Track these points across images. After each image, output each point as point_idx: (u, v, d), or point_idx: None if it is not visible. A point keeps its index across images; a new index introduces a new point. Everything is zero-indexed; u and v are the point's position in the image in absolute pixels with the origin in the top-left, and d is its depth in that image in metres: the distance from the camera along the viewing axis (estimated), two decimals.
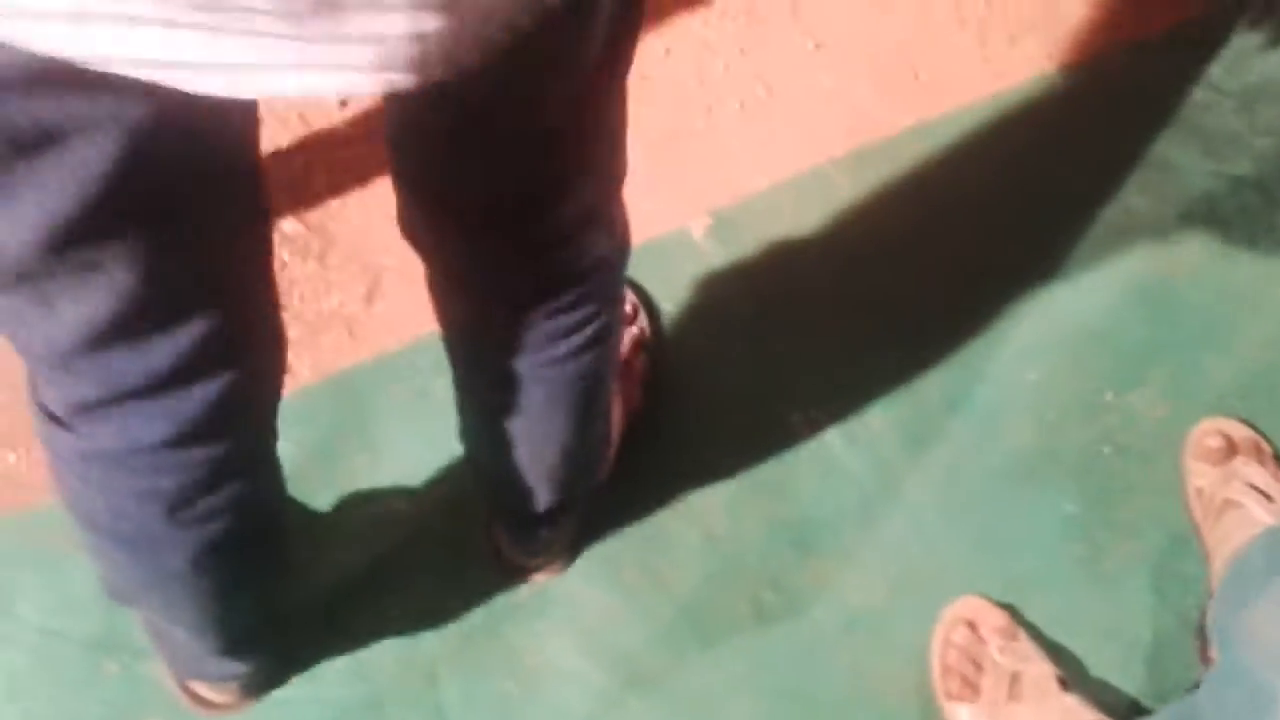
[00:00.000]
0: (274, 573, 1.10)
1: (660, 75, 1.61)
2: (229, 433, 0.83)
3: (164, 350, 0.73)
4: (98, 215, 0.59)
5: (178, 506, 0.84)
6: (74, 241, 0.61)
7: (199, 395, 0.77)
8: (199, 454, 0.82)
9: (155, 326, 0.71)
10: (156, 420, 0.77)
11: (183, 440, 0.79)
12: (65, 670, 1.26)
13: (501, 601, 1.32)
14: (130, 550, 0.91)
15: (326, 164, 1.51)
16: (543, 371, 0.98)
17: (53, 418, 0.79)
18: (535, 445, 1.08)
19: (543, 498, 1.16)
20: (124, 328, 0.69)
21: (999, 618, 1.29)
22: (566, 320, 0.94)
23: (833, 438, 1.42)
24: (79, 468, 0.83)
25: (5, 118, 0.52)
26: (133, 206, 0.61)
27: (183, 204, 0.65)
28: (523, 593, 1.33)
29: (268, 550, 1.04)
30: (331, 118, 1.52)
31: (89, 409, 0.76)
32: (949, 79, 1.66)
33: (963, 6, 1.72)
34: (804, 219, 1.55)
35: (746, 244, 1.53)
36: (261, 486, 0.96)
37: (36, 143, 0.54)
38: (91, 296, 0.66)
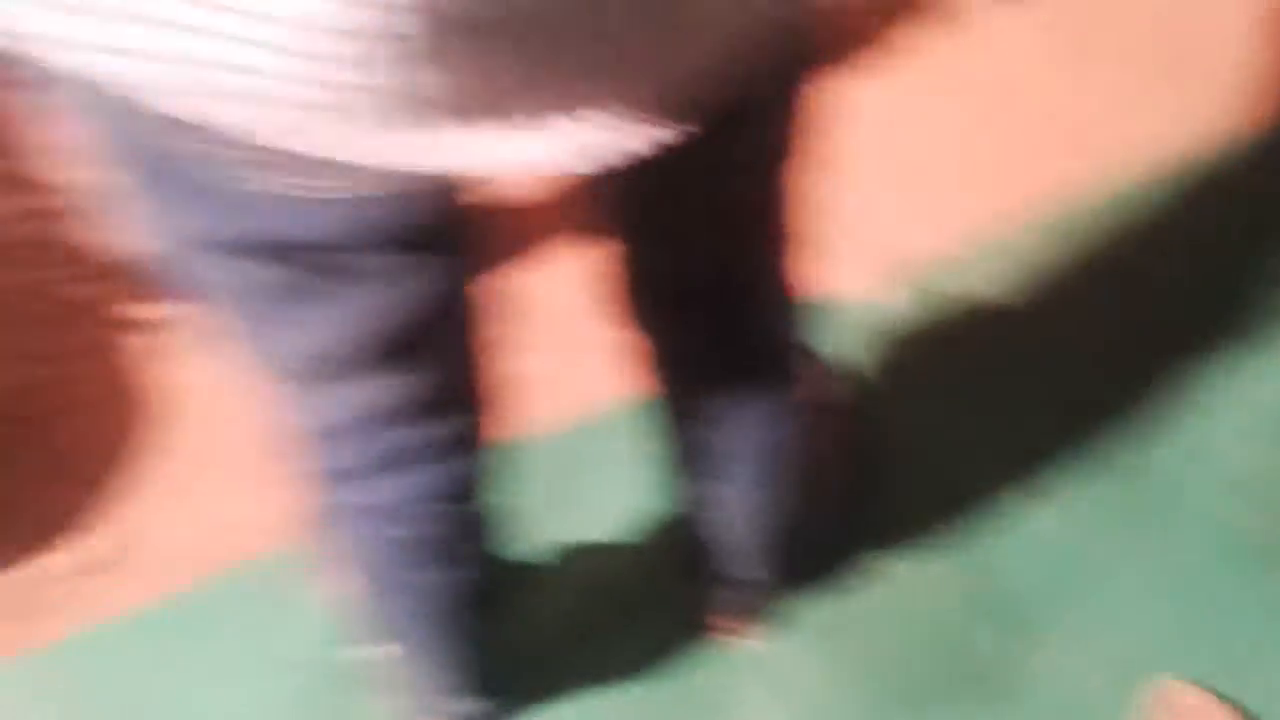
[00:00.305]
0: (502, 619, 1.15)
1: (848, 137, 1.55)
2: (483, 486, 0.93)
3: (444, 420, 0.83)
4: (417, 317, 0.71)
5: (440, 553, 0.92)
6: (393, 340, 0.71)
7: (466, 455, 0.87)
8: (463, 506, 0.91)
9: (443, 400, 0.81)
10: (431, 478, 0.85)
11: (453, 495, 0.88)
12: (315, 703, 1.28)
13: (706, 663, 1.31)
14: (393, 592, 0.97)
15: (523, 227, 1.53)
16: (746, 440, 1.00)
17: (333, 479, 0.86)
18: (743, 512, 1.09)
19: (752, 564, 1.17)
20: (421, 403, 0.79)
21: (1213, 706, 1.25)
22: (769, 389, 0.97)
23: (1040, 512, 1.37)
24: (354, 520, 0.89)
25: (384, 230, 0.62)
26: (445, 307, 0.73)
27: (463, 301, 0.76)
28: (728, 656, 1.31)
29: (497, 597, 1.08)
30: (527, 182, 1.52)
31: (371, 471, 0.83)
32: (1144, 139, 1.62)
33: (1157, 66, 1.71)
34: (999, 282, 1.53)
35: (940, 308, 1.51)
36: (496, 536, 1.02)
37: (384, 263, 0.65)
38: (399, 380, 0.76)
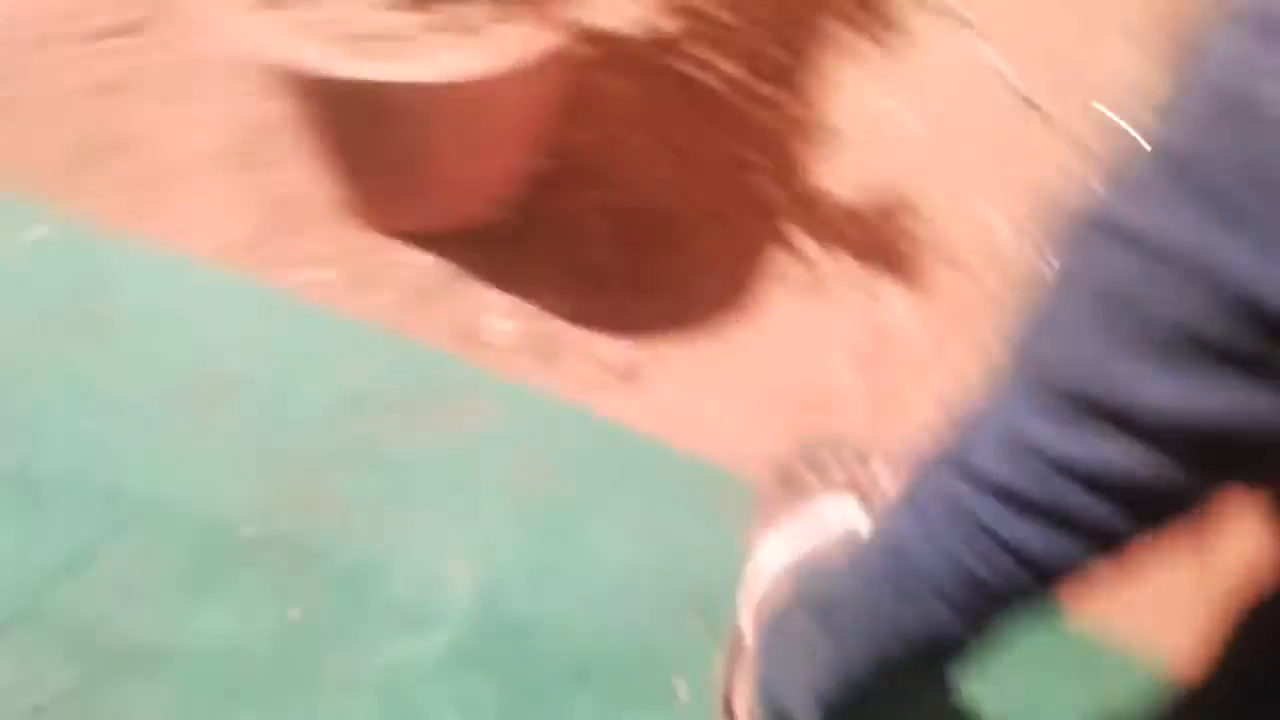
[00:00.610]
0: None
1: None
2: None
3: (1151, 525, 0.73)
4: None
5: (976, 603, 0.82)
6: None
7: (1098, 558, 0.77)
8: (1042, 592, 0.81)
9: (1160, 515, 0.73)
10: (1060, 559, 0.76)
11: (1053, 578, 0.78)
12: None
13: None
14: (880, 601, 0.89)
15: None
16: None
17: (974, 480, 0.77)
18: None
19: None
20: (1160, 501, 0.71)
21: None
22: None
23: None
24: (937, 524, 0.82)
25: None
26: None
27: None
28: None
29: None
30: None
31: (1026, 508, 0.74)
32: None
33: None
34: None
35: None
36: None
37: None
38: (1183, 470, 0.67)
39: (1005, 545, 0.76)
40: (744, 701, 1.20)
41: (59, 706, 1.18)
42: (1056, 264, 0.73)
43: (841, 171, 1.62)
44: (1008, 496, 0.74)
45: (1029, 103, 1.71)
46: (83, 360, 1.35)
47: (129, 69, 1.55)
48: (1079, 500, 0.70)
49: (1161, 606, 1.39)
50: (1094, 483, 0.69)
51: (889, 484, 1.30)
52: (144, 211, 1.45)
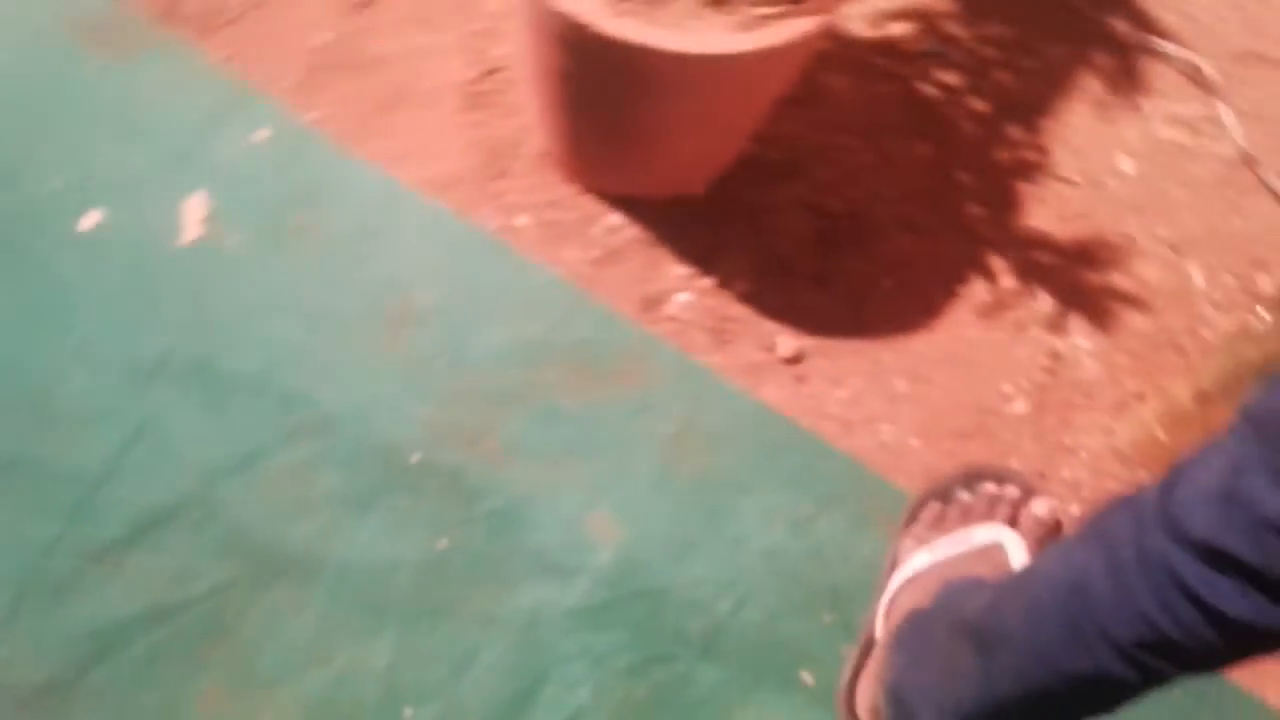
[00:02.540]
0: None
1: None
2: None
3: None
4: None
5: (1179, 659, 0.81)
6: None
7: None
8: (1187, 670, 0.82)
9: None
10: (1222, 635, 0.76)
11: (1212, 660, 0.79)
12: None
13: None
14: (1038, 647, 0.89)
15: None
16: None
17: (1178, 535, 0.77)
18: None
19: None
20: None
21: None
22: None
23: None
24: (1128, 574, 0.81)
25: None
26: None
27: None
28: None
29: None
30: None
31: (1227, 561, 0.74)
32: None
33: None
34: None
35: None
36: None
37: None
38: None
39: (1204, 607, 0.75)
40: (867, 700, 1.21)
41: (211, 599, 1.24)
42: None
43: (1047, 201, 1.60)
44: (1223, 561, 0.73)
45: (1248, 161, 1.67)
46: (284, 266, 1.41)
47: None
48: None
49: None
50: None
51: (1046, 517, 1.29)
52: (365, 132, 1.50)
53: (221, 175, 1.45)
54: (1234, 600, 0.73)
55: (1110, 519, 0.87)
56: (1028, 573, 0.95)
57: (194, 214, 1.42)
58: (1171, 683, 0.83)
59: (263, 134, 1.48)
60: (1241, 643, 0.76)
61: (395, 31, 1.57)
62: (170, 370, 1.33)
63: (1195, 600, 0.75)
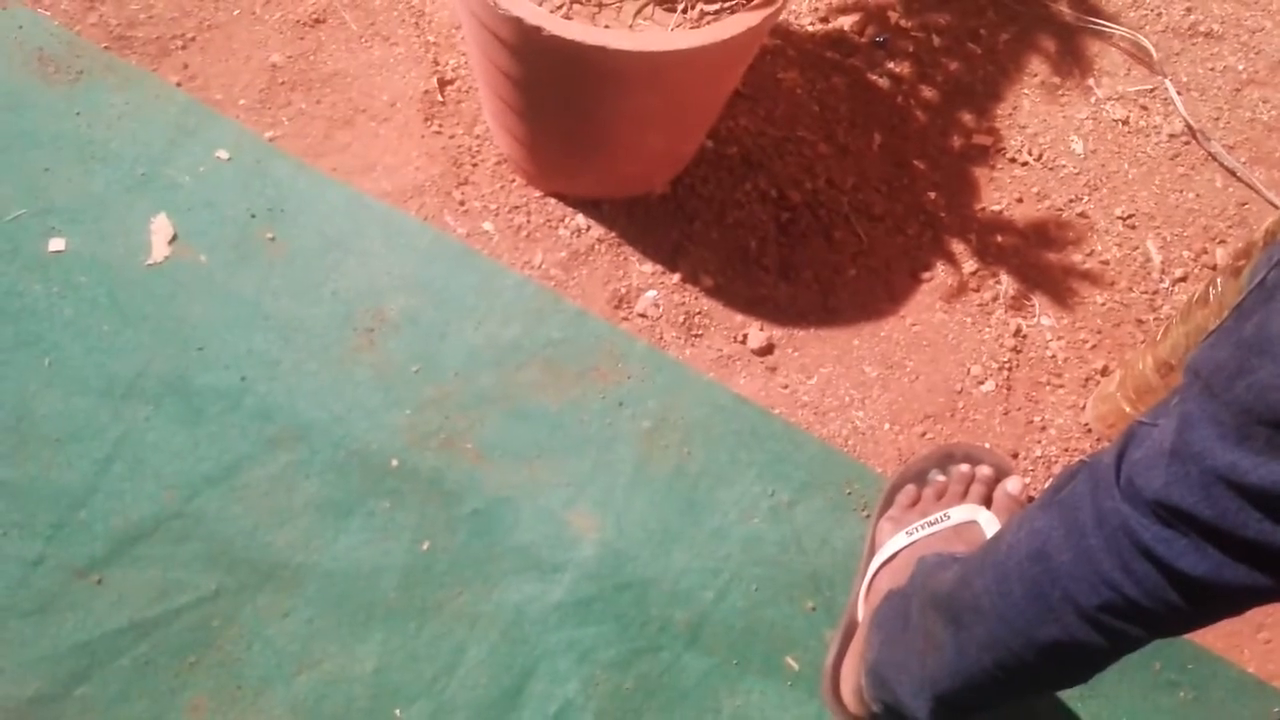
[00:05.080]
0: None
1: None
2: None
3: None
4: None
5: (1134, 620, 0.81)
6: None
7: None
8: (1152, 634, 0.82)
9: None
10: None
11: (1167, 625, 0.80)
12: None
13: None
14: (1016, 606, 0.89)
15: None
16: None
17: (1132, 496, 0.77)
18: None
19: None
20: None
21: None
22: None
23: None
24: (1087, 538, 0.81)
25: None
26: None
27: None
28: None
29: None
30: None
31: (1181, 518, 0.74)
32: None
33: None
34: None
35: None
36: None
37: None
38: None
39: (1163, 566, 0.75)
40: (850, 682, 1.22)
41: (196, 610, 1.24)
42: (1264, 286, 0.71)
43: (1003, 185, 1.62)
44: (1177, 519, 0.73)
45: (1195, 134, 1.70)
46: (253, 281, 1.41)
47: (329, 7, 1.61)
48: (1259, 527, 0.69)
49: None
50: (1275, 508, 0.68)
51: (1019, 495, 1.31)
52: (326, 147, 1.51)
53: (185, 195, 1.45)
54: (1191, 557, 0.73)
55: (1068, 485, 0.87)
56: (993, 543, 0.96)
57: (160, 234, 1.42)
58: (1141, 645, 0.84)
59: (223, 154, 1.48)
60: (1205, 601, 0.76)
61: (349, 47, 1.58)
62: (145, 387, 1.34)
63: (1154, 560, 0.75)
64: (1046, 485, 0.94)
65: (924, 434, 1.45)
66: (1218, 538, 0.72)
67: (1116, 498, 0.78)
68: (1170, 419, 0.76)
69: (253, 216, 1.45)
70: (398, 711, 1.23)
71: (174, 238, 1.42)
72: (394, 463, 1.34)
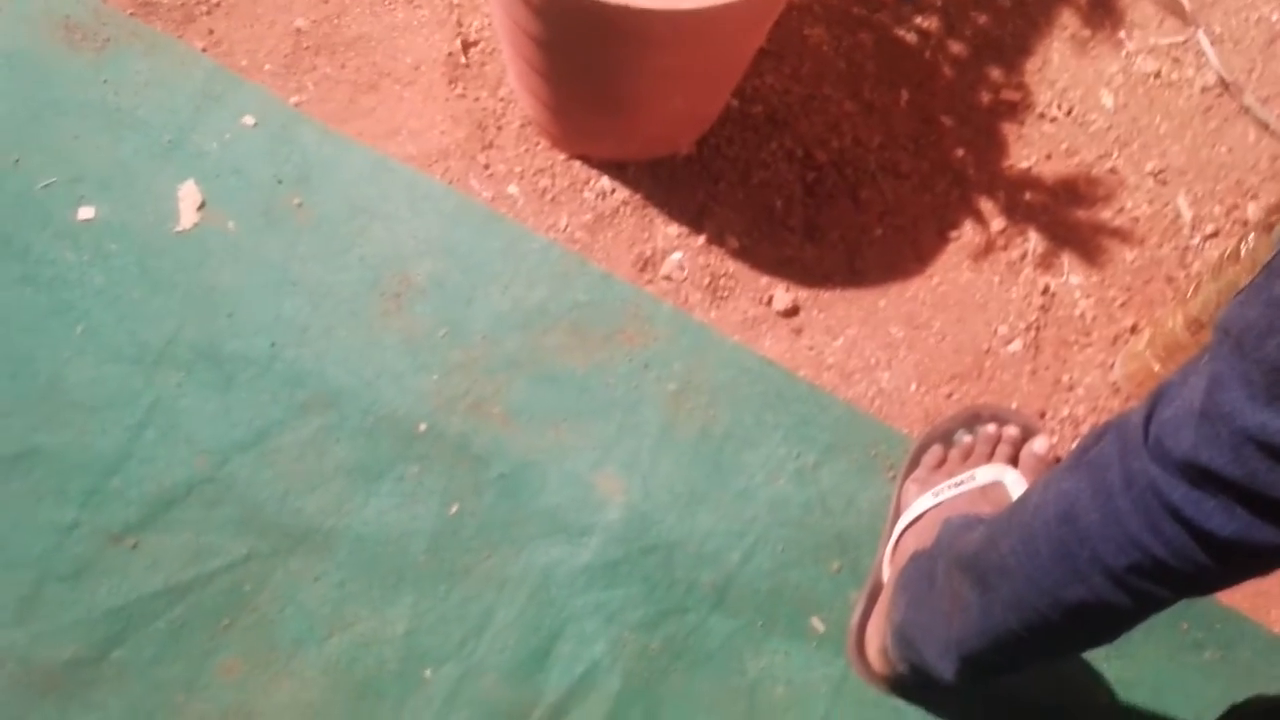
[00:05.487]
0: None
1: None
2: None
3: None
4: None
5: (1161, 579, 0.81)
6: None
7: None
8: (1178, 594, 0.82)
9: None
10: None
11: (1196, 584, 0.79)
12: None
13: None
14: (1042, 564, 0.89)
15: None
16: None
17: (1161, 457, 0.77)
18: None
19: None
20: None
21: None
22: None
23: None
24: (1115, 499, 0.81)
25: None
26: None
27: None
28: None
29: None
30: None
31: (1210, 478, 0.74)
32: None
33: None
34: None
35: None
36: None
37: None
38: None
39: (1191, 527, 0.75)
40: (876, 643, 1.22)
41: (228, 574, 1.26)
42: None
43: (1032, 141, 1.61)
44: (1206, 480, 0.73)
45: (1228, 87, 1.68)
46: (281, 247, 1.42)
47: None
48: None
49: None
50: None
51: (1045, 455, 1.31)
52: (351, 111, 1.51)
53: (212, 162, 1.46)
54: (1220, 518, 0.73)
55: (1096, 445, 0.87)
56: (1020, 504, 0.96)
57: (188, 201, 1.43)
58: (1168, 605, 0.84)
59: (249, 120, 1.49)
60: (1233, 562, 0.76)
61: (373, 10, 1.58)
62: (176, 354, 1.35)
63: (1183, 520, 0.75)
64: (1074, 446, 0.94)
65: (950, 395, 1.44)
66: (1247, 498, 0.71)
67: (1145, 458, 0.78)
68: (1200, 377, 0.75)
69: (279, 183, 1.45)
70: (427, 673, 1.25)
71: (202, 205, 1.43)
72: (422, 427, 1.35)
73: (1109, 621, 0.87)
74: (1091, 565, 0.83)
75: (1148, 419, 0.80)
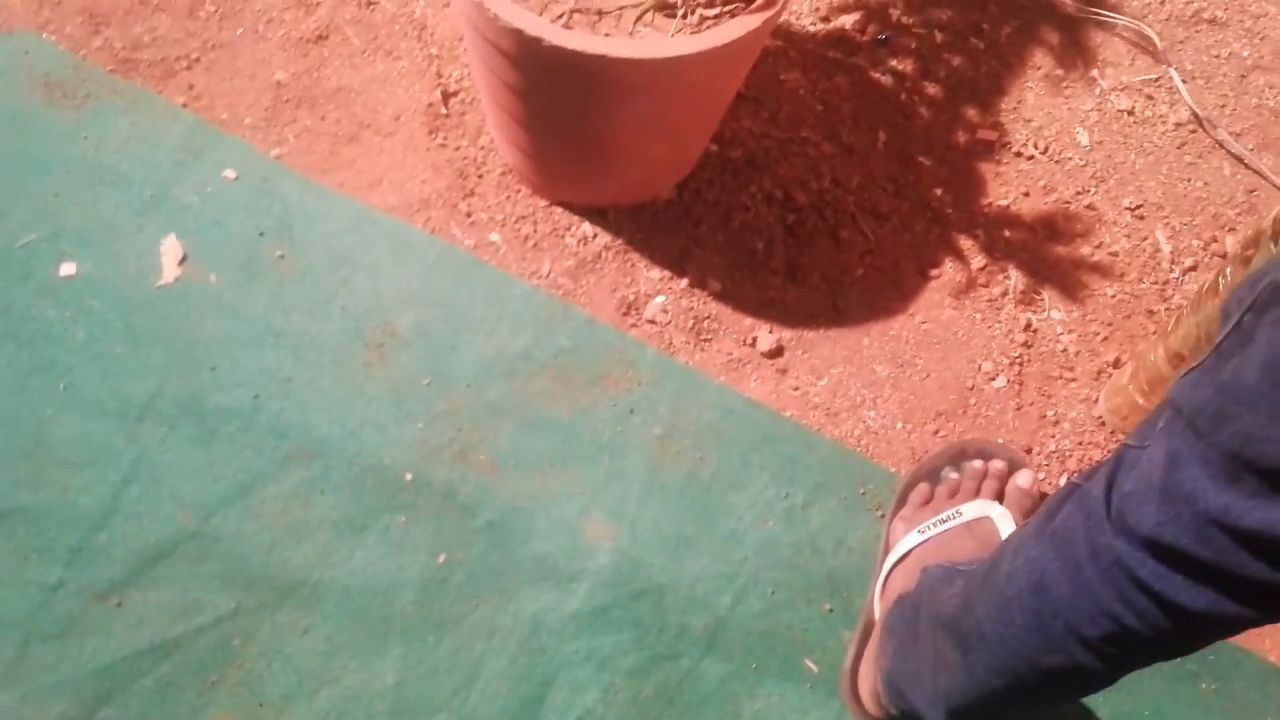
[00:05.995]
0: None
1: None
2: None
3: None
4: None
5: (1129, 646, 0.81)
6: None
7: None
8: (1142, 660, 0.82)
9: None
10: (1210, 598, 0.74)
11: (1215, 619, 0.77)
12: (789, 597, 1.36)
13: None
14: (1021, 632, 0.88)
15: None
16: None
17: (1125, 531, 0.77)
18: None
19: None
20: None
21: None
22: None
23: None
24: (1084, 569, 0.81)
25: None
26: None
27: None
28: None
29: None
30: None
31: (1176, 556, 0.73)
32: None
33: None
34: None
35: None
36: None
37: None
38: None
39: (1162, 601, 0.75)
40: (869, 684, 1.22)
41: (216, 629, 1.25)
42: (1240, 329, 0.70)
43: (1009, 179, 1.62)
44: (1171, 555, 0.73)
45: (1201, 122, 1.69)
46: (264, 299, 1.42)
47: (332, 23, 1.62)
48: (1256, 566, 0.68)
49: None
50: (1270, 549, 0.67)
51: (1030, 489, 1.31)
52: (332, 162, 1.52)
53: (193, 216, 1.46)
54: (1189, 594, 0.73)
55: (1060, 513, 0.87)
56: (993, 567, 0.95)
57: (170, 255, 1.43)
58: (1149, 664, 0.84)
59: (230, 173, 1.49)
60: (1206, 631, 0.76)
61: (352, 62, 1.59)
62: (159, 408, 1.34)
63: (1152, 595, 0.75)
64: (1041, 506, 0.94)
65: (936, 432, 1.45)
66: (1216, 576, 0.71)
67: (1109, 533, 0.78)
68: (1157, 448, 0.75)
69: (261, 235, 1.45)
70: None
71: (184, 258, 1.43)
72: (408, 476, 1.34)
73: (1092, 682, 0.87)
74: (1066, 635, 0.83)
75: (1108, 489, 0.80)
